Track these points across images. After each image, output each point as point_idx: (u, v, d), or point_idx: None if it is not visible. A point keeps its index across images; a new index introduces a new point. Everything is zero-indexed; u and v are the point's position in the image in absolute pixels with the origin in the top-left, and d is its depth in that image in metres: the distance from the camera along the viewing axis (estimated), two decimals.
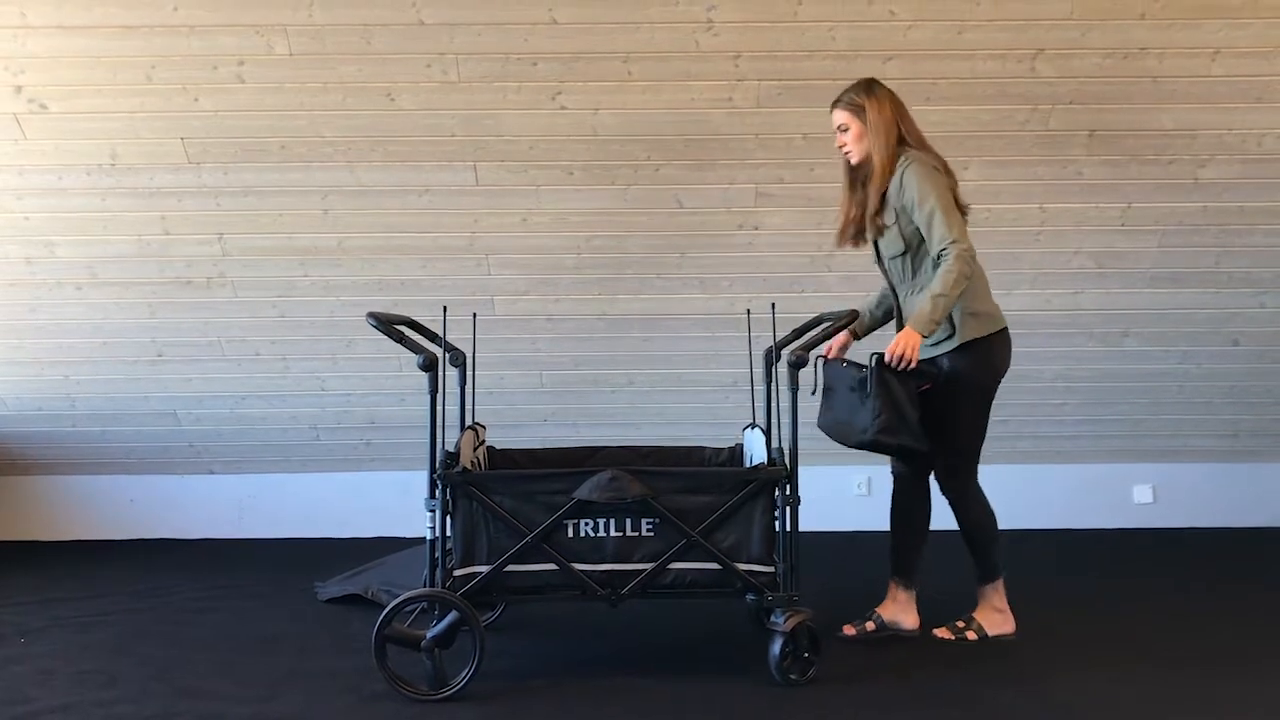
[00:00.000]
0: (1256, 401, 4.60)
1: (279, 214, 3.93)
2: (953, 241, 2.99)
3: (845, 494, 4.79)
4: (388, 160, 3.82)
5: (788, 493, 2.98)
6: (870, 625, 3.30)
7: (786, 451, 3.01)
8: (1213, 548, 4.51)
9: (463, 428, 3.29)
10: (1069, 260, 4.11)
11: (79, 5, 3.47)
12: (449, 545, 3.00)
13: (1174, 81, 3.67)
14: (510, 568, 2.94)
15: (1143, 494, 4.85)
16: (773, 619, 2.96)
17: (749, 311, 3.52)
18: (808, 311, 3.54)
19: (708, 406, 4.52)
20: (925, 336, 3.01)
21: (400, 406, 4.51)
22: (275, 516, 4.79)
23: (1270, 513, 4.87)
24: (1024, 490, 4.76)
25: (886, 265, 3.25)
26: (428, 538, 3.00)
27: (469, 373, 3.31)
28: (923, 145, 3.14)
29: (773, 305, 3.37)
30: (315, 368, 4.41)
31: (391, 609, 2.88)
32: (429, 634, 2.88)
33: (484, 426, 3.53)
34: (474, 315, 3.57)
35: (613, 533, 2.95)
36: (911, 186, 3.04)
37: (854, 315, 3.15)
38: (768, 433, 3.24)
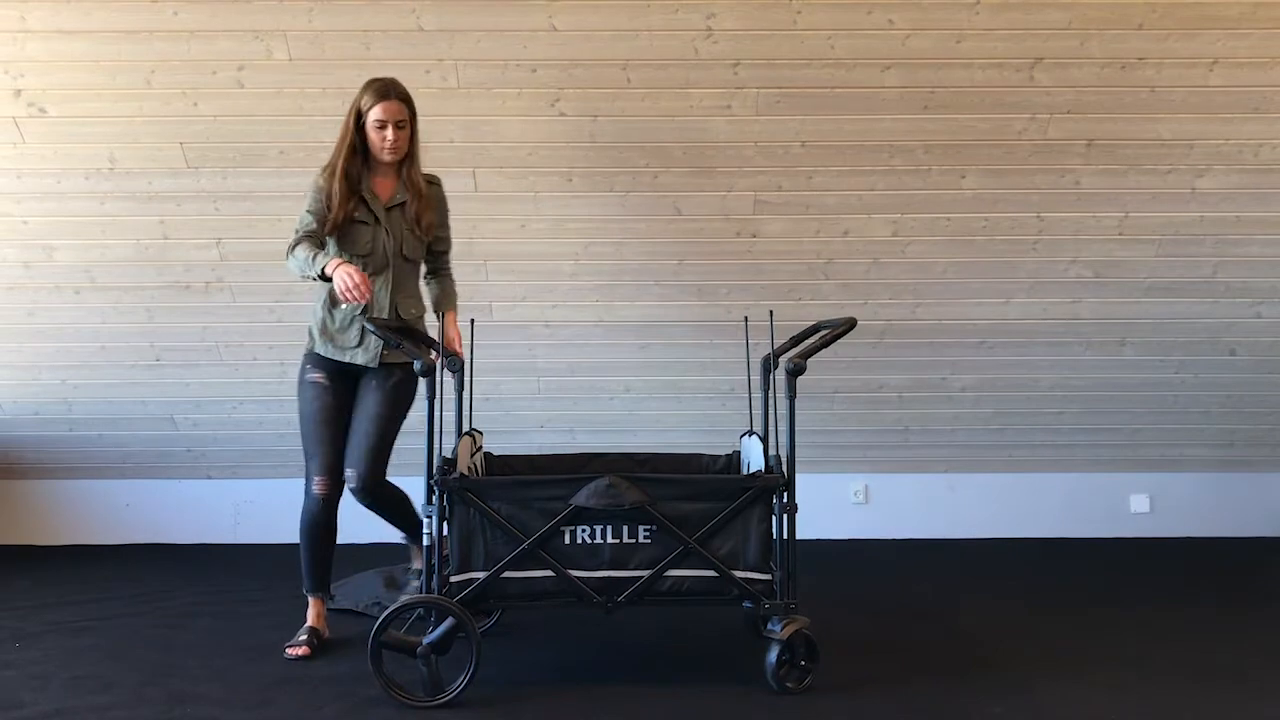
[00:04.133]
0: (1253, 411, 4.60)
1: (277, 219, 3.93)
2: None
3: (842, 502, 4.79)
4: None
5: (785, 500, 2.99)
6: (305, 650, 3.26)
7: (784, 459, 3.02)
8: (1209, 557, 4.50)
9: (459, 434, 3.29)
10: (1066, 269, 4.12)
11: (79, 9, 3.48)
12: (445, 551, 3.00)
13: (1172, 91, 3.68)
14: (507, 574, 2.94)
15: (1139, 503, 4.85)
16: (769, 627, 2.96)
17: (746, 319, 3.53)
18: (805, 319, 3.54)
19: (705, 414, 4.52)
20: None
21: None
22: (271, 522, 4.77)
23: (1267, 522, 4.87)
24: (1020, 499, 4.75)
25: (391, 261, 3.28)
26: (424, 543, 2.99)
27: (466, 378, 3.31)
28: None
29: (770, 313, 3.37)
30: None
31: (388, 615, 2.88)
32: (425, 640, 2.88)
33: (481, 432, 3.53)
34: (471, 321, 3.57)
35: (609, 539, 2.95)
36: (444, 202, 3.42)
37: (852, 323, 3.16)
38: (765, 440, 3.24)
